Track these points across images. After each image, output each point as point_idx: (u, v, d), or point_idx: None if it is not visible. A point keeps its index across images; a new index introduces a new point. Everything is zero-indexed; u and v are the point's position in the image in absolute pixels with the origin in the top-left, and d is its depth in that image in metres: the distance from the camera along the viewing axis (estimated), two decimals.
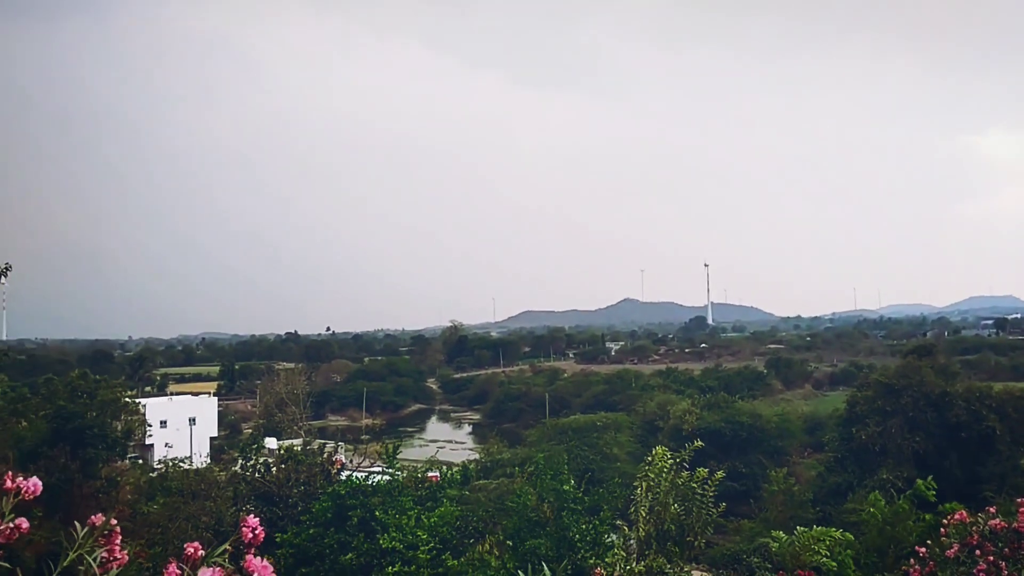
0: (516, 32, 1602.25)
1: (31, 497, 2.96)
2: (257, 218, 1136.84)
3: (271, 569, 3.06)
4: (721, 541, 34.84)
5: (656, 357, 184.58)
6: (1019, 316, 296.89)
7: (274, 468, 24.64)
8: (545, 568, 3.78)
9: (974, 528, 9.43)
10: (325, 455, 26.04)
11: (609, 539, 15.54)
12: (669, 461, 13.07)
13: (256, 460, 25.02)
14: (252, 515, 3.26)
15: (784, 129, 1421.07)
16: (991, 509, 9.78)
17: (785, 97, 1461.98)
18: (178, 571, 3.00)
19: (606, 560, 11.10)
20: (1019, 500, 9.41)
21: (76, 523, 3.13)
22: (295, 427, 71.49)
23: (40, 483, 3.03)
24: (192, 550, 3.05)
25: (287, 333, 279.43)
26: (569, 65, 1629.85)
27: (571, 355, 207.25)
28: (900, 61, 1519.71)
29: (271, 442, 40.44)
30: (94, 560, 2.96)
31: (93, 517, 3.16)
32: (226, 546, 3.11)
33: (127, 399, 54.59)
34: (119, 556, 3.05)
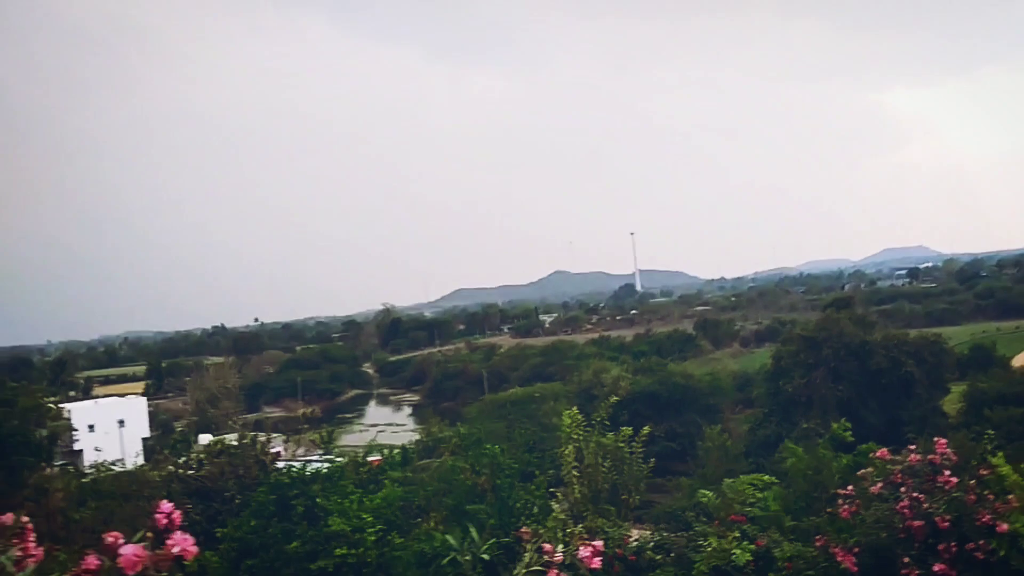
0: (428, 6, 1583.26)
1: None
2: (175, 209, 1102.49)
3: (192, 541, 3.09)
4: (662, 500, 35.73)
5: (589, 326, 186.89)
6: (930, 265, 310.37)
7: (207, 463, 24.23)
8: (472, 531, 3.87)
9: (895, 466, 9.99)
10: (259, 447, 25.68)
11: (551, 504, 15.82)
12: (580, 419, 13.41)
13: (188, 456, 24.58)
14: (172, 506, 3.25)
15: (698, 93, 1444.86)
16: (910, 447, 10.38)
17: (698, 60, 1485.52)
18: (97, 560, 2.98)
19: (548, 525, 11.30)
20: (936, 439, 10.04)
21: None
22: (229, 422, 70.06)
23: None
24: (112, 539, 3.04)
25: (214, 327, 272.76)
26: (484, 39, 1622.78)
27: (506, 330, 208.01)
28: (808, 20, 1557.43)
29: (205, 438, 39.62)
30: (8, 559, 2.92)
31: (2, 517, 3.12)
32: (145, 532, 3.10)
33: (51, 404, 52.57)
34: (34, 553, 3.03)
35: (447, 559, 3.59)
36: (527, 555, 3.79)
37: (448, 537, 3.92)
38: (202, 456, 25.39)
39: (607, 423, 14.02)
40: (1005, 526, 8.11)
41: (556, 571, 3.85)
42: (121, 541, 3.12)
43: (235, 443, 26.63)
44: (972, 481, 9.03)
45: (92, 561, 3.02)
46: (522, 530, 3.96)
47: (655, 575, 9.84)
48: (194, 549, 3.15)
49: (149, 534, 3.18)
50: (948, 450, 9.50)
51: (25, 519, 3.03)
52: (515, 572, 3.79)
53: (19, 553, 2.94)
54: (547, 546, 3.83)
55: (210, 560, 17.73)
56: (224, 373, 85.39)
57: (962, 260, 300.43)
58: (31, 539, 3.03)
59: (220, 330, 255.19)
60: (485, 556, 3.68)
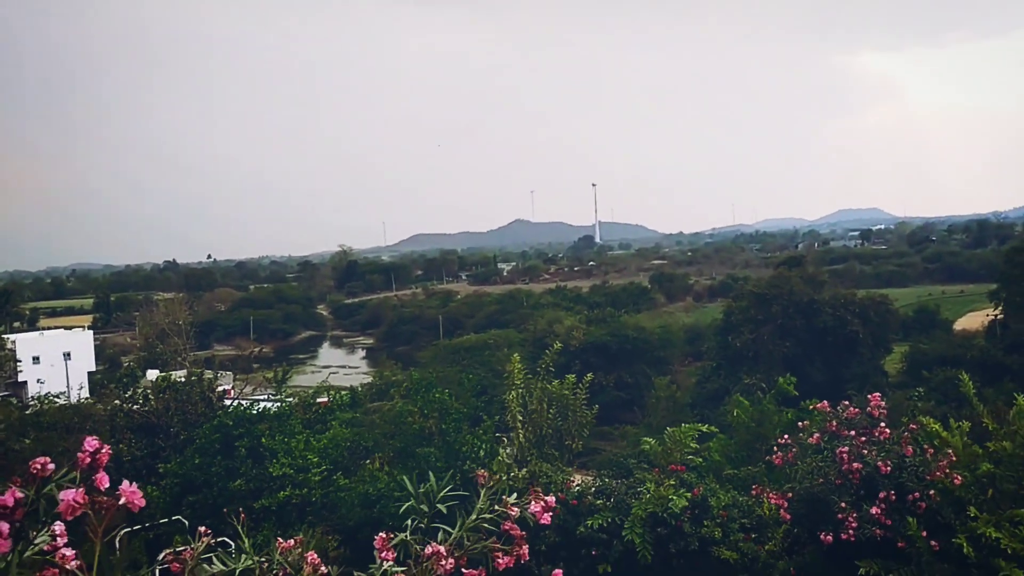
0: None
1: None
2: (128, 139, 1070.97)
3: (140, 494, 2.92)
4: (608, 447, 36.36)
5: (547, 276, 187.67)
6: (883, 227, 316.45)
7: (152, 398, 23.89)
8: (431, 476, 3.77)
9: (833, 418, 10.25)
10: (206, 383, 25.37)
11: (498, 448, 16.00)
12: (521, 367, 13.57)
13: (134, 391, 24.21)
14: (97, 443, 3.06)
15: (666, 48, 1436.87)
16: (846, 402, 10.64)
17: (663, 16, 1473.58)
18: (20, 493, 2.80)
19: (493, 468, 11.36)
20: (870, 396, 10.30)
21: None
22: (179, 358, 69.26)
23: None
24: (40, 465, 2.82)
25: (165, 262, 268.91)
26: None
27: (464, 277, 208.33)
28: None
29: (152, 374, 39.11)
30: None
31: None
32: (73, 472, 2.91)
33: None
34: None
35: (405, 506, 3.44)
36: (481, 502, 3.69)
37: (405, 479, 3.74)
38: (148, 391, 25.02)
39: (552, 370, 14.13)
40: (959, 478, 8.43)
41: (512, 524, 3.75)
42: (51, 466, 2.93)
43: (182, 379, 26.30)
44: (907, 434, 9.28)
45: (7, 499, 2.81)
46: (478, 472, 3.84)
47: (594, 519, 9.96)
48: (141, 502, 2.99)
49: (76, 472, 3.00)
50: (883, 403, 9.76)
51: None
52: (469, 519, 3.66)
53: None
54: (507, 499, 3.72)
55: (152, 495, 17.57)
56: (174, 309, 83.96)
57: (914, 224, 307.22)
58: None
59: (172, 266, 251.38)
60: (442, 508, 3.55)
